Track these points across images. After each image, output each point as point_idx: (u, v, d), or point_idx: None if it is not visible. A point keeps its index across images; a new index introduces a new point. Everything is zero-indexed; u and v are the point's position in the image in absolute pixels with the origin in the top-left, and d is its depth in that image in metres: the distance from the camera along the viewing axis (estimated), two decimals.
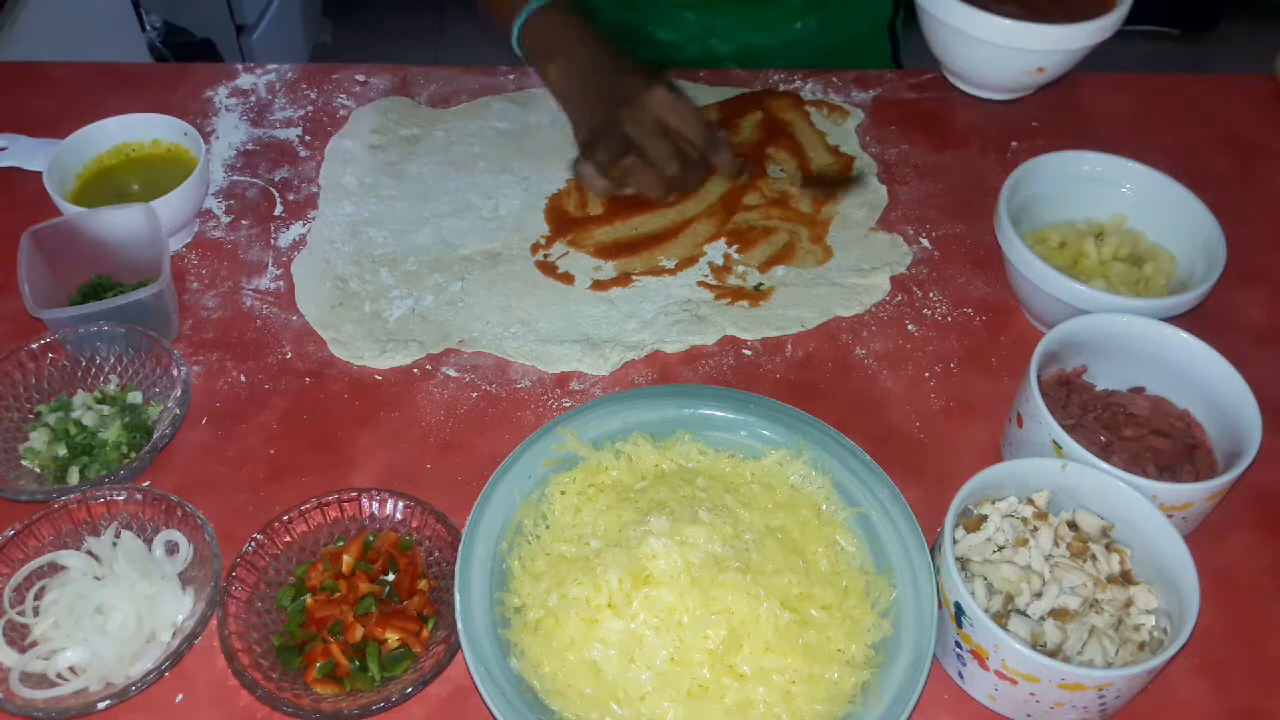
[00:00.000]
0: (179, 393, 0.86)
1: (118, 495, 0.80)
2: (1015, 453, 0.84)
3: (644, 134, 0.98)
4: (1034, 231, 0.99)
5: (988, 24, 1.02)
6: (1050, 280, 0.89)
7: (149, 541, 0.79)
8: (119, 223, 0.95)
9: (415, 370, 0.94)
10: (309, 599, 0.76)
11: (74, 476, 0.83)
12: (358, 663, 0.73)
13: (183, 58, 2.16)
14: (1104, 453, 0.80)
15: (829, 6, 1.28)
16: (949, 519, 0.73)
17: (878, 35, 1.37)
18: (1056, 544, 0.75)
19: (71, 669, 0.73)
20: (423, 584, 0.77)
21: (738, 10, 1.25)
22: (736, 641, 0.70)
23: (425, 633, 0.75)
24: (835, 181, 1.08)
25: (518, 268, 1.02)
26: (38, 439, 0.86)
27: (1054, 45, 1.03)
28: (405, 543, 0.79)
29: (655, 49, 1.28)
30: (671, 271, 1.01)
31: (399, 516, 0.81)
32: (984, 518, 0.76)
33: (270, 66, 1.23)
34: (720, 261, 1.02)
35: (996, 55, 1.06)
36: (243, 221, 1.06)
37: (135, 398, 0.89)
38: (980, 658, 0.70)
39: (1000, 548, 0.75)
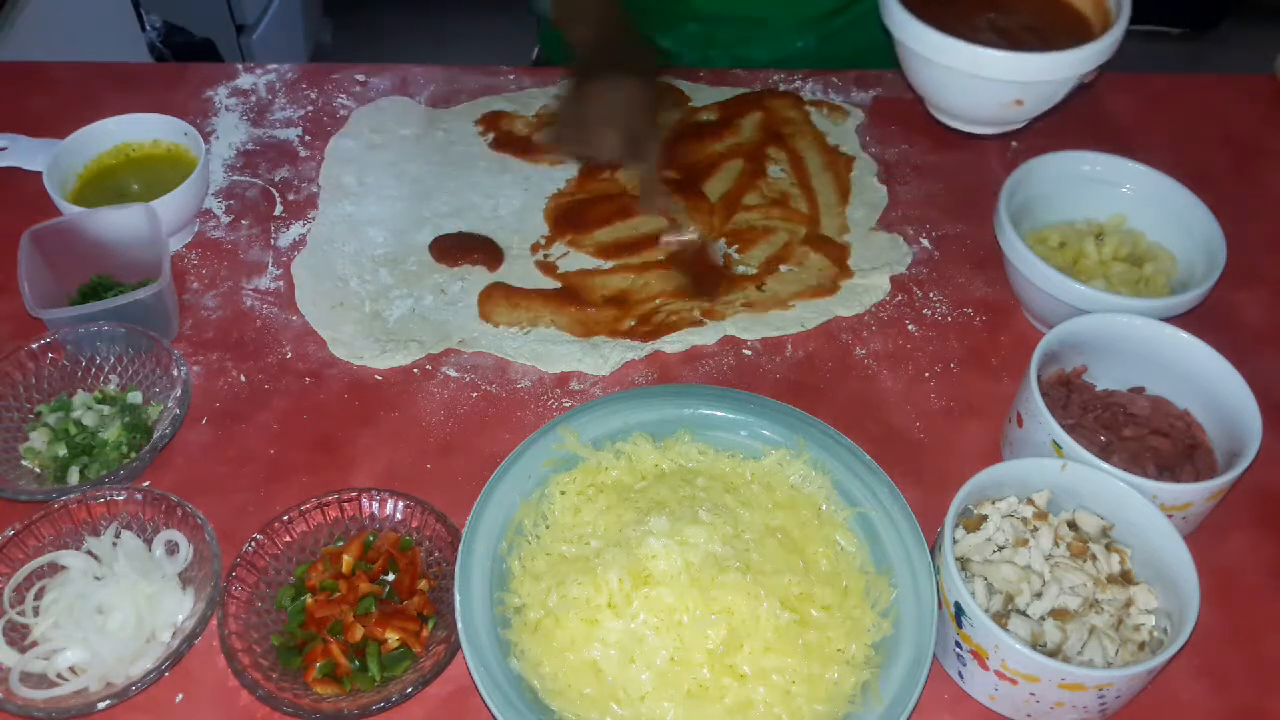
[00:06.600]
0: (179, 393, 0.86)
1: (118, 495, 0.80)
2: (1015, 453, 0.84)
3: (594, 113, 1.00)
4: (1034, 231, 0.99)
5: (957, 51, 0.93)
6: (1050, 280, 0.89)
7: (149, 541, 0.79)
8: (119, 223, 0.95)
9: (415, 370, 0.94)
10: (309, 599, 0.76)
11: (74, 476, 0.83)
12: (358, 663, 0.73)
13: (183, 58, 2.16)
14: (1104, 453, 0.80)
15: (830, 25, 1.27)
16: (949, 519, 0.73)
17: (878, 54, 1.35)
18: (1056, 544, 0.75)
19: (71, 669, 0.73)
20: (423, 584, 0.77)
21: (739, 26, 1.25)
22: (736, 641, 0.70)
23: (425, 633, 0.75)
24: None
25: (518, 268, 1.02)
26: (38, 439, 0.86)
27: (1031, 76, 0.94)
28: (405, 543, 0.79)
29: None
30: None
31: (399, 516, 0.81)
32: (984, 518, 0.76)
33: (270, 66, 1.23)
34: (720, 261, 1.02)
35: (968, 85, 0.96)
36: (243, 221, 1.06)
37: (135, 398, 0.89)
38: (980, 658, 0.70)
39: (1000, 548, 0.75)
